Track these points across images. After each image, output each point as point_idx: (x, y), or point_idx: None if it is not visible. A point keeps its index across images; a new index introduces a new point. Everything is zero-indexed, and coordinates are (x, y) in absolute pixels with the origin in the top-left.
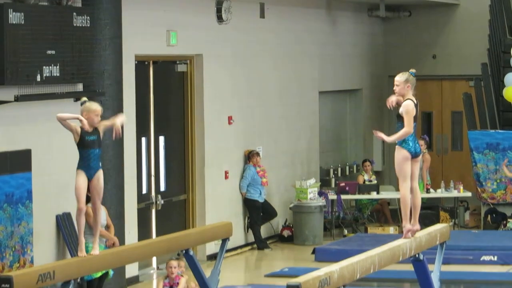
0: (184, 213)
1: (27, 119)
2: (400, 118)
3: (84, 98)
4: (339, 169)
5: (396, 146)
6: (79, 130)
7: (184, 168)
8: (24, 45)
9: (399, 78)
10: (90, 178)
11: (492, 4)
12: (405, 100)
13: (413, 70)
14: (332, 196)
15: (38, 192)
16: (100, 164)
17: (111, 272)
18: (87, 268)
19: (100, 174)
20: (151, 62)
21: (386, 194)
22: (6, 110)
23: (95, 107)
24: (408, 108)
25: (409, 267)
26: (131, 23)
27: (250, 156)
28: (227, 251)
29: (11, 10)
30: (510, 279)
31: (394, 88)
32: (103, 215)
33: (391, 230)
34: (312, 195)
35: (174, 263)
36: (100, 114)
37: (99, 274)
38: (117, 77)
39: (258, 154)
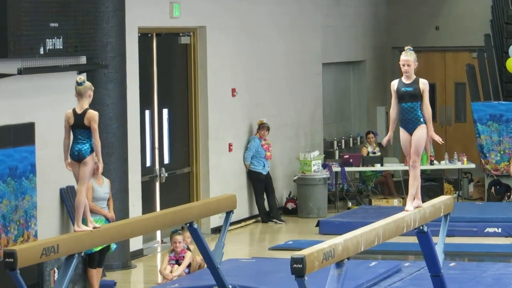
0: (188, 186)
1: (30, 92)
2: (415, 97)
3: (81, 77)
4: (343, 141)
5: (422, 125)
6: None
7: (188, 141)
8: (27, 17)
9: (409, 58)
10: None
11: None
12: (417, 77)
13: (410, 47)
14: (336, 168)
15: (41, 165)
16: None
17: (113, 246)
18: (91, 241)
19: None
20: (154, 34)
21: (390, 166)
22: (9, 83)
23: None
24: (427, 87)
25: (414, 239)
26: None
27: (259, 127)
28: (231, 224)
29: None
30: None
31: (405, 69)
32: (105, 188)
33: (395, 202)
34: (316, 168)
35: (179, 237)
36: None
37: (99, 248)
38: (120, 50)
39: (268, 128)
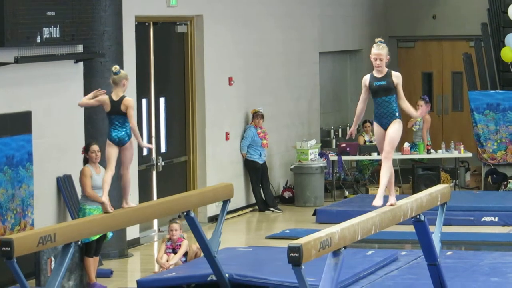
0: (185, 174)
1: (27, 80)
2: (389, 90)
3: (117, 67)
4: (340, 130)
5: (397, 120)
6: (107, 100)
7: (185, 130)
8: (24, 6)
9: (381, 51)
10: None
11: None
12: (389, 70)
13: (381, 39)
14: (333, 157)
15: (38, 154)
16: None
17: (109, 234)
18: (88, 230)
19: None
20: (151, 23)
21: None
22: (6, 72)
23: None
24: (401, 80)
25: (410, 228)
26: None
27: (254, 116)
28: (228, 212)
29: None
30: (511, 240)
31: (377, 63)
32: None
33: None
34: (313, 156)
35: (176, 225)
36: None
37: (96, 236)
38: (117, 38)
39: (262, 116)
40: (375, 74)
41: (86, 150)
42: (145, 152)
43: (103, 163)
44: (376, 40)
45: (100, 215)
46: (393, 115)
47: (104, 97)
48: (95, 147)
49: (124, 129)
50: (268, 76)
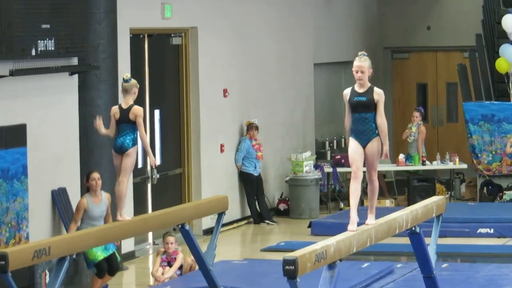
0: (180, 187)
1: (22, 93)
2: (367, 107)
3: (127, 75)
4: (335, 142)
5: (377, 137)
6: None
7: (180, 142)
8: (19, 19)
9: (363, 63)
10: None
11: None
12: (372, 86)
13: (364, 53)
14: (328, 169)
15: (33, 167)
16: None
17: (118, 256)
18: (83, 243)
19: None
20: (146, 35)
21: (381, 166)
22: (1, 85)
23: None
24: (383, 98)
25: (406, 240)
26: None
27: (248, 128)
28: (223, 225)
29: None
30: (506, 252)
31: (358, 76)
32: (103, 205)
33: (387, 203)
34: (307, 168)
35: (171, 239)
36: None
37: (102, 257)
38: (112, 51)
39: (256, 127)
40: (357, 88)
41: (87, 178)
42: (139, 165)
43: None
44: (359, 53)
45: (95, 228)
46: (372, 132)
47: (114, 107)
48: (95, 175)
49: (129, 136)
50: (262, 88)
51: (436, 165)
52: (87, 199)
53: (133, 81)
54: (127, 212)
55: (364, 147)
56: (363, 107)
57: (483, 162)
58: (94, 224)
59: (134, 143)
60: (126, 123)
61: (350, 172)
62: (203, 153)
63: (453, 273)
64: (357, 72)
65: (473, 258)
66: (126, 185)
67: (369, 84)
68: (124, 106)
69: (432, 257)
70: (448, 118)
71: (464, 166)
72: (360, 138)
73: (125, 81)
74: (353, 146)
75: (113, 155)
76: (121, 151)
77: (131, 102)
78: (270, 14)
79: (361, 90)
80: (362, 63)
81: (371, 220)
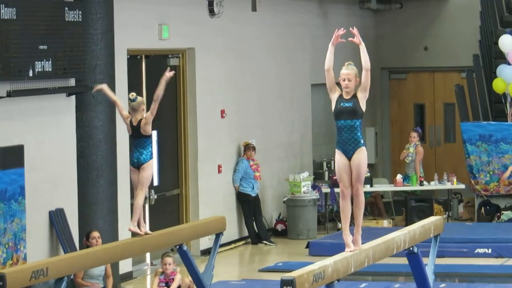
0: (177, 207)
1: (20, 114)
2: (354, 113)
3: (133, 94)
4: (332, 162)
5: (362, 147)
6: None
7: (177, 163)
8: (16, 40)
9: (350, 71)
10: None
11: None
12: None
13: (351, 63)
14: (325, 189)
15: (31, 188)
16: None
17: None
18: (80, 264)
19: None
20: (143, 56)
21: (379, 186)
22: None
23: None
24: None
25: (404, 260)
26: (123, 17)
27: (245, 149)
28: (221, 245)
29: (3, 5)
30: (504, 272)
31: (345, 84)
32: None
33: (385, 223)
34: (305, 189)
35: (169, 259)
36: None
37: None
38: (109, 72)
39: (253, 148)
40: (344, 95)
41: (86, 237)
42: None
43: (95, 196)
44: (346, 62)
45: (93, 249)
46: (357, 141)
47: (124, 114)
48: (95, 234)
49: (145, 150)
50: (260, 109)
51: (434, 185)
52: None
53: (140, 98)
54: (125, 232)
55: (349, 158)
56: (349, 113)
57: (481, 182)
58: (92, 282)
59: (150, 156)
60: (139, 138)
61: None
62: (201, 174)
63: None
64: (344, 80)
65: (471, 278)
66: (143, 198)
67: (354, 92)
68: (135, 123)
69: (430, 277)
70: (445, 139)
71: (462, 186)
72: (345, 148)
73: (132, 100)
74: (339, 162)
75: (130, 170)
76: (138, 165)
77: (140, 117)
78: (267, 35)
79: (347, 97)
80: (349, 71)
81: (356, 244)
